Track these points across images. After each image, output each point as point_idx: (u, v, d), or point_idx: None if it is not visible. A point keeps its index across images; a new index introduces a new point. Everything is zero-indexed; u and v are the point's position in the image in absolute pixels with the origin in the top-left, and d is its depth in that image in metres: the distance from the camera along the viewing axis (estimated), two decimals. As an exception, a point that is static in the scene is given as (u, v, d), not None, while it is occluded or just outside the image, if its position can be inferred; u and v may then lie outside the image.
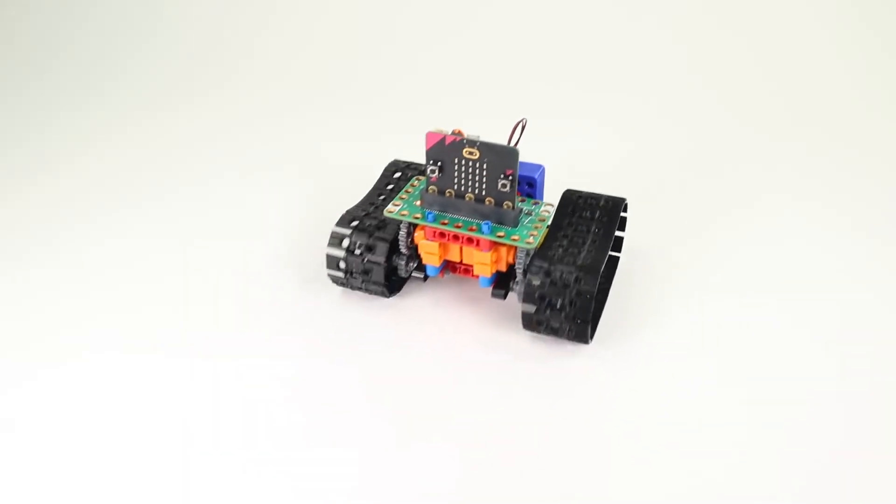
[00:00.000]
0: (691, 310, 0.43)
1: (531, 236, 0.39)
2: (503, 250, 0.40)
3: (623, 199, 0.43)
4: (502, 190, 0.38)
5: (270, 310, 0.44)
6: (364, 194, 0.48)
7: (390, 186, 0.46)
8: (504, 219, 0.39)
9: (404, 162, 0.48)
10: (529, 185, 0.42)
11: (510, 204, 0.39)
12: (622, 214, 0.45)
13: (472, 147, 0.38)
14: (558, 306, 0.38)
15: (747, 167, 0.58)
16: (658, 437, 0.36)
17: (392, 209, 0.41)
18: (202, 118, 0.67)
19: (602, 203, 0.43)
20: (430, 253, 0.41)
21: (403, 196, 0.42)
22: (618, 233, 0.45)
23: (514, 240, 0.39)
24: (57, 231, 0.51)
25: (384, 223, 0.42)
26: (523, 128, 0.39)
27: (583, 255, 0.39)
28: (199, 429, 0.36)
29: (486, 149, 0.38)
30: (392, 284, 0.44)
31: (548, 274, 0.38)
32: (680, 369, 0.39)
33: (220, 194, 0.56)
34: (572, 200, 0.43)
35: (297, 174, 0.58)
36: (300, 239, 0.50)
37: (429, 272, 0.42)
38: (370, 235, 0.42)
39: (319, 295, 0.45)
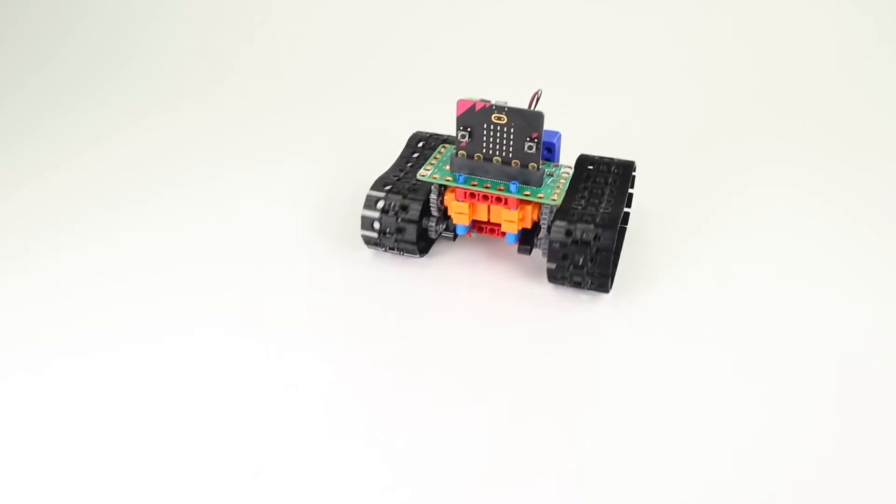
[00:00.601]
0: (698, 266, 0.47)
1: (555, 194, 0.43)
2: (528, 208, 0.44)
3: (633, 162, 0.47)
4: (528, 152, 0.42)
5: (296, 285, 0.46)
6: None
7: (416, 155, 0.49)
8: (530, 179, 0.43)
9: (426, 133, 0.51)
10: (548, 150, 0.46)
11: (535, 165, 0.43)
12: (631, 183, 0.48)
13: (501, 113, 0.42)
14: (581, 257, 0.42)
15: (753, 162, 0.59)
16: (672, 377, 0.39)
17: (424, 173, 0.45)
18: (201, 117, 0.68)
19: (614, 165, 0.47)
20: (461, 213, 0.44)
21: (433, 162, 0.46)
22: (626, 208, 0.49)
23: (540, 197, 0.42)
24: (68, 226, 0.52)
25: (415, 186, 0.45)
26: (538, 98, 0.43)
27: (601, 208, 0.43)
28: (231, 412, 0.38)
29: (514, 114, 0.42)
30: (422, 245, 0.47)
31: (571, 225, 0.42)
32: (691, 315, 0.43)
33: (224, 191, 0.56)
34: (587, 163, 0.47)
35: (300, 169, 0.59)
36: (313, 224, 0.52)
37: (458, 231, 0.46)
38: (404, 196, 0.45)
39: (348, 264, 0.47)
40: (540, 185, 0.43)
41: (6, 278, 0.47)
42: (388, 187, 0.46)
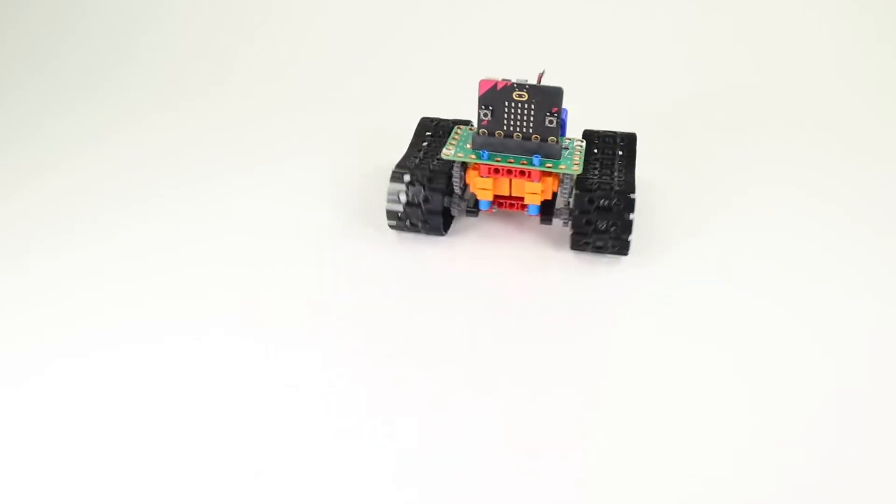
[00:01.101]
0: (698, 266, 0.48)
1: (575, 164, 0.45)
2: (549, 180, 0.46)
3: (635, 134, 0.50)
4: (549, 126, 0.44)
5: (297, 284, 0.46)
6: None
7: (426, 143, 0.51)
8: (550, 152, 0.45)
9: (434, 119, 0.54)
10: None
11: (555, 139, 0.44)
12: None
13: (522, 90, 0.43)
14: (603, 223, 0.45)
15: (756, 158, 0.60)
16: (672, 374, 0.40)
17: (447, 152, 0.46)
18: (201, 117, 0.68)
19: (619, 137, 0.51)
20: (484, 188, 0.46)
21: (453, 142, 0.47)
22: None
23: (562, 168, 0.45)
24: (68, 226, 0.52)
25: (434, 174, 0.47)
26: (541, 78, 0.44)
27: (615, 177, 0.47)
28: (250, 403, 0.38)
29: (535, 90, 0.43)
30: (446, 222, 0.50)
31: (590, 192, 0.45)
32: (690, 316, 0.44)
33: (224, 191, 0.56)
34: (593, 136, 0.51)
35: (300, 169, 0.59)
36: (313, 223, 0.52)
37: (481, 206, 0.48)
38: (424, 187, 0.47)
39: (350, 261, 0.48)
40: (559, 158, 0.45)
41: (6, 278, 0.47)
42: (407, 177, 0.47)
